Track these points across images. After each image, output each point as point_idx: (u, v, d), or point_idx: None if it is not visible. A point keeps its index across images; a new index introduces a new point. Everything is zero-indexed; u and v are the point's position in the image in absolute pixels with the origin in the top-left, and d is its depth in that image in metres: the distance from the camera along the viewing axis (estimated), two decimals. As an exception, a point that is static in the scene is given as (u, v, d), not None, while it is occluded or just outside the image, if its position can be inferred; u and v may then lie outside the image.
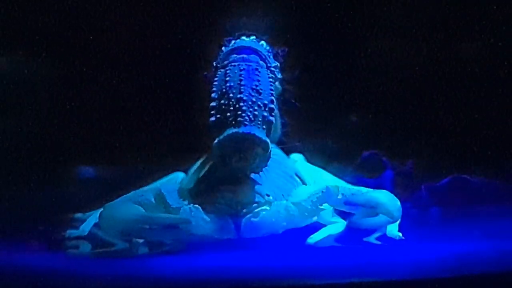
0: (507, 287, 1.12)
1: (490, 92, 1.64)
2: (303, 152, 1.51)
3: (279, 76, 1.37)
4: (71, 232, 1.40)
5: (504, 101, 1.64)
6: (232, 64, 1.31)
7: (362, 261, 1.23)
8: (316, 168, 1.46)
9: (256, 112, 1.27)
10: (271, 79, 1.32)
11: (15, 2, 1.60)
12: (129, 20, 1.63)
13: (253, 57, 1.32)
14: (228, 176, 1.31)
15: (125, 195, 1.31)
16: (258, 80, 1.30)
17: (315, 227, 1.36)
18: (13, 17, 1.61)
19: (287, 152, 1.47)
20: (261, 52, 1.33)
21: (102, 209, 1.30)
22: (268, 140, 1.28)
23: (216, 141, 1.27)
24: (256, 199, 1.28)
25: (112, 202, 1.30)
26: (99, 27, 1.62)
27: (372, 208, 1.31)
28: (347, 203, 1.31)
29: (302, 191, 1.34)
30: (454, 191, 1.62)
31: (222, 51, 1.34)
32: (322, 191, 1.30)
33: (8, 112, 1.64)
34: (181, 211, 1.26)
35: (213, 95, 1.30)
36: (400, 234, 1.33)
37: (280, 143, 1.44)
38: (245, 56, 1.31)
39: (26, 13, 1.61)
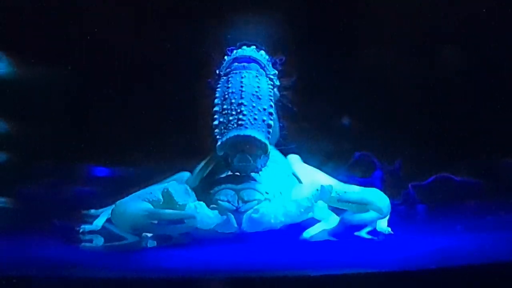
0: (488, 278, 1.13)
1: (472, 95, 1.65)
2: (300, 153, 1.51)
3: (277, 83, 1.38)
4: (85, 227, 1.40)
5: (486, 102, 1.64)
6: (234, 72, 1.33)
7: (354, 254, 1.24)
8: (312, 168, 1.47)
9: (256, 116, 1.29)
10: (270, 86, 1.34)
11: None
12: (141, 29, 1.64)
13: (253, 65, 1.33)
14: (230, 175, 1.33)
15: (135, 193, 1.31)
16: (258, 87, 1.31)
17: (311, 222, 1.37)
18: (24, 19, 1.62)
19: (285, 153, 1.48)
20: (260, 61, 1.34)
21: (114, 206, 1.31)
22: (267, 142, 1.29)
23: (219, 142, 1.29)
24: (256, 197, 1.29)
25: (123, 199, 1.30)
26: (109, 33, 1.62)
27: (363, 205, 1.31)
28: (340, 200, 1.32)
29: (298, 189, 1.35)
30: (439, 189, 1.63)
31: (225, 59, 1.36)
32: (317, 189, 1.30)
33: (25, 113, 1.64)
34: (186, 207, 1.26)
35: (216, 100, 1.32)
36: (389, 229, 1.34)
37: (278, 145, 1.46)
38: (245, 64, 1.33)
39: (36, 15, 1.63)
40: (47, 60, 1.64)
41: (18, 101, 1.64)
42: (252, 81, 1.32)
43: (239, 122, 1.28)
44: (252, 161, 1.30)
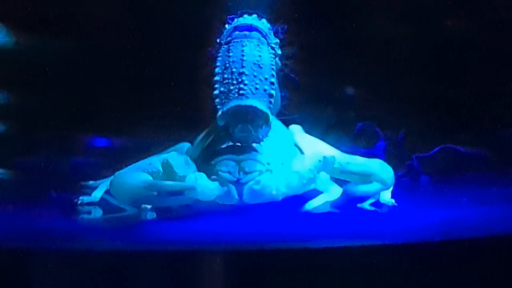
0: (493, 250, 1.12)
1: (476, 65, 1.64)
2: (302, 123, 1.50)
3: (279, 52, 1.36)
4: (83, 198, 1.40)
5: (492, 72, 1.63)
6: (235, 40, 1.31)
7: (357, 226, 1.24)
8: (314, 138, 1.46)
9: (257, 86, 1.28)
10: (271, 55, 1.33)
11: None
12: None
13: (254, 34, 1.32)
14: (231, 146, 1.32)
15: (134, 164, 1.30)
16: (260, 56, 1.30)
17: (313, 194, 1.37)
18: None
19: (287, 123, 1.48)
20: (262, 29, 1.33)
21: (113, 177, 1.30)
22: (269, 112, 1.28)
23: (220, 112, 1.28)
24: (257, 168, 1.28)
25: (122, 170, 1.30)
26: (108, 1, 1.64)
27: (367, 176, 1.31)
28: (343, 171, 1.32)
29: (300, 160, 1.34)
30: (443, 160, 1.63)
31: (226, 28, 1.34)
32: (320, 160, 1.30)
33: (23, 83, 1.63)
34: (186, 178, 1.25)
35: (217, 69, 1.31)
36: (393, 201, 1.35)
37: (280, 115, 1.44)
38: (247, 33, 1.31)
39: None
40: (45, 30, 1.63)
41: (16, 71, 1.63)
42: (254, 50, 1.30)
43: (240, 92, 1.28)
44: (253, 131, 1.29)
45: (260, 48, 1.31)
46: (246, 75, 1.28)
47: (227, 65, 1.30)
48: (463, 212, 1.32)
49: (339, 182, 1.38)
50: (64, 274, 1.10)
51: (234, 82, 1.28)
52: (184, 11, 1.61)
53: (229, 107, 1.27)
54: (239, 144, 1.31)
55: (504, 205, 1.36)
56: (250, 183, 1.27)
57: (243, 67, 1.29)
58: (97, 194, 1.41)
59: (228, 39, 1.33)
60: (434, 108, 1.65)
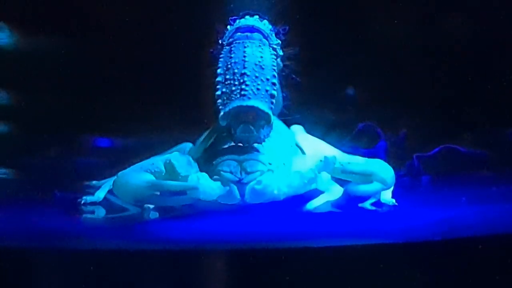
0: (492, 249, 1.13)
1: (477, 64, 1.64)
2: (303, 123, 1.51)
3: (281, 53, 1.36)
4: (87, 198, 1.40)
5: (493, 71, 1.63)
6: (237, 41, 1.32)
7: (357, 225, 1.24)
8: (315, 138, 1.47)
9: (259, 86, 1.28)
10: (273, 56, 1.33)
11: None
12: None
13: (256, 35, 1.32)
14: (233, 146, 1.32)
15: (137, 164, 1.30)
16: (261, 57, 1.30)
17: (314, 193, 1.37)
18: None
19: (288, 123, 1.48)
20: (263, 30, 1.33)
21: (116, 177, 1.30)
22: (270, 112, 1.28)
23: (222, 113, 1.28)
24: (259, 168, 1.28)
25: (125, 170, 1.30)
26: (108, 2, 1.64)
27: (367, 176, 1.31)
28: (344, 171, 1.32)
29: (302, 160, 1.34)
30: (444, 160, 1.62)
31: (227, 29, 1.34)
32: (321, 160, 1.31)
33: (26, 83, 1.63)
34: (189, 178, 1.25)
35: (219, 70, 1.31)
36: (394, 200, 1.34)
37: (281, 115, 1.44)
38: (248, 34, 1.32)
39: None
40: (48, 29, 1.63)
41: (19, 71, 1.63)
42: (255, 51, 1.31)
43: (242, 92, 1.28)
44: (255, 132, 1.29)
45: (262, 49, 1.31)
46: (247, 76, 1.28)
47: (229, 66, 1.30)
48: (463, 212, 1.32)
49: (340, 182, 1.37)
50: (67, 274, 1.11)
51: (236, 83, 1.28)
52: (186, 12, 1.61)
53: (231, 107, 1.27)
54: (241, 144, 1.31)
55: (504, 205, 1.36)
56: (252, 183, 1.26)
57: (245, 68, 1.29)
58: (100, 194, 1.41)
59: (230, 40, 1.33)
60: (434, 108, 1.65)
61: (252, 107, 1.27)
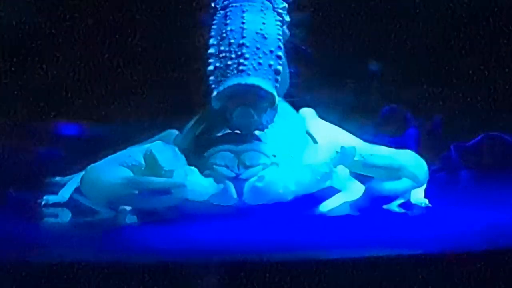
0: None
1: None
2: (315, 106, 1.48)
3: (288, 19, 1.33)
4: (48, 198, 1.37)
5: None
6: (233, 4, 1.30)
7: (382, 233, 1.21)
8: (330, 125, 1.45)
9: (261, 60, 1.25)
10: (278, 23, 1.30)
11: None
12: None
13: (257, -4, 1.26)
14: (229, 134, 1.29)
15: (110, 156, 1.28)
16: (263, 24, 1.28)
17: (329, 192, 1.34)
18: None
19: (297, 106, 1.45)
20: (266, -10, 1.26)
21: (84, 172, 1.27)
22: (274, 92, 1.25)
23: (215, 93, 1.25)
24: (261, 161, 1.25)
25: (96, 163, 1.27)
26: None
27: (394, 171, 1.29)
28: (365, 165, 1.30)
29: (314, 151, 1.31)
30: (487, 151, 1.63)
31: (222, -11, 1.27)
32: (337, 152, 1.27)
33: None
34: (174, 174, 1.23)
35: (211, 40, 1.28)
36: (427, 201, 1.33)
37: (288, 96, 1.41)
38: (248, -5, 1.26)
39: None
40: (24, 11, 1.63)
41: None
42: (256, 17, 1.28)
43: (240, 68, 1.25)
44: (255, 116, 1.26)
45: (264, 14, 1.29)
46: (247, 47, 1.25)
47: (224, 35, 1.27)
48: (512, 215, 1.28)
49: (361, 178, 1.35)
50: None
51: (233, 55, 1.25)
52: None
53: (226, 86, 1.24)
54: (238, 131, 1.28)
55: None
56: (251, 180, 1.24)
57: (243, 37, 1.26)
58: (65, 193, 1.38)
59: (225, 3, 1.30)
60: (477, 88, 1.65)
61: (252, 86, 1.24)
